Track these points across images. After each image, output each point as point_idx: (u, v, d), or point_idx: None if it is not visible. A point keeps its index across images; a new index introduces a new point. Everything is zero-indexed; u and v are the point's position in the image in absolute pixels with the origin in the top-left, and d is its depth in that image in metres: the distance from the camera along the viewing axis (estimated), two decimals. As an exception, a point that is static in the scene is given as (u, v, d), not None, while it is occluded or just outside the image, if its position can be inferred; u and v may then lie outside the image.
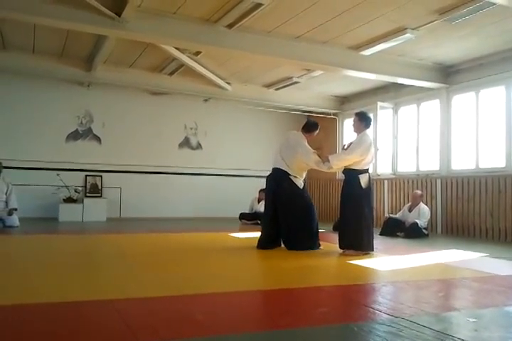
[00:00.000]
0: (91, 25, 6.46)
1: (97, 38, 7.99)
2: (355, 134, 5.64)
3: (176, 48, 8.29)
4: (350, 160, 5.38)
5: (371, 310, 2.83)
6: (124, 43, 8.00)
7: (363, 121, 5.56)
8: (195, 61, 9.06)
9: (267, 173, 6.03)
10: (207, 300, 3.04)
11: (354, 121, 5.63)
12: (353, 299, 3.20)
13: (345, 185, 5.51)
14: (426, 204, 8.39)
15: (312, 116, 12.29)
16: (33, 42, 8.36)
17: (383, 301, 3.07)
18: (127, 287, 3.39)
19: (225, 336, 2.28)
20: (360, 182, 5.34)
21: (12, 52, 8.71)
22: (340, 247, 5.42)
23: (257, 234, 5.98)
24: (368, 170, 5.48)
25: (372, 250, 5.40)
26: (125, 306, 2.79)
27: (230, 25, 6.97)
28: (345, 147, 5.59)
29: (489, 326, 2.61)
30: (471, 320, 2.68)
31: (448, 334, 2.33)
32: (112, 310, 2.67)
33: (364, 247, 5.31)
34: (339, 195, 5.65)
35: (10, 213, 8.11)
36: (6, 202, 8.23)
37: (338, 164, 5.46)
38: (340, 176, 5.64)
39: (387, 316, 2.67)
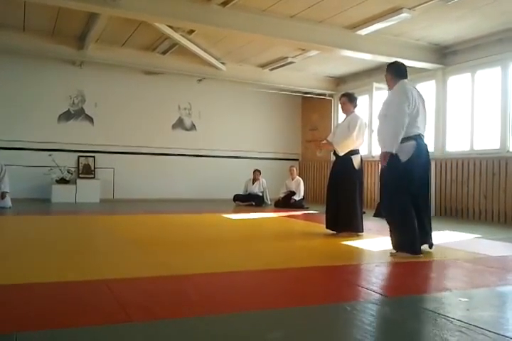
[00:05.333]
0: (82, 3, 6.34)
1: (88, 16, 7.85)
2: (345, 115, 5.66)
3: (169, 27, 8.16)
4: (352, 144, 5.37)
5: (364, 290, 2.83)
6: (116, 21, 7.87)
7: (352, 101, 5.56)
8: (189, 40, 8.94)
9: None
10: (201, 280, 3.03)
11: (342, 102, 5.61)
12: (346, 279, 3.20)
13: (338, 166, 5.46)
14: (420, 186, 8.39)
15: (307, 97, 12.23)
16: (24, 20, 8.20)
17: (376, 281, 3.08)
18: (121, 267, 3.38)
19: (219, 315, 2.28)
20: (353, 164, 5.33)
21: (2, 31, 8.53)
22: (335, 229, 5.40)
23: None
24: (359, 150, 5.47)
25: (362, 231, 5.39)
26: (119, 286, 2.78)
27: (224, 3, 6.86)
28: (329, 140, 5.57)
29: (481, 306, 2.62)
30: (463, 299, 2.69)
31: (440, 314, 2.34)
32: (105, 289, 2.67)
33: (359, 228, 5.32)
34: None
35: (2, 196, 8.07)
36: (-1, 185, 8.18)
37: (343, 151, 5.38)
38: (333, 158, 5.57)
39: (380, 296, 2.67)
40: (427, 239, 4.26)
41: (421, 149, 4.20)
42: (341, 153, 5.35)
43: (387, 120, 4.30)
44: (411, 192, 4.16)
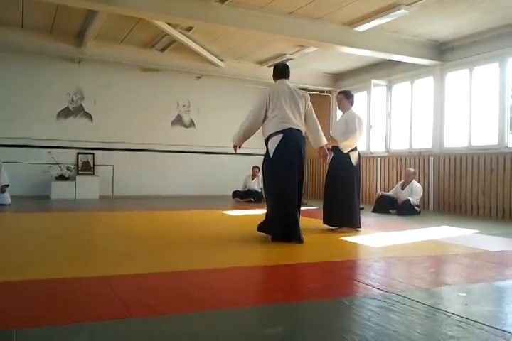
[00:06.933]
0: (81, 0, 6.33)
1: (87, 13, 7.84)
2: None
3: (167, 23, 8.15)
4: (355, 142, 5.41)
5: (363, 285, 2.85)
6: (114, 18, 7.87)
7: (348, 98, 5.62)
8: (188, 37, 8.93)
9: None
10: (201, 277, 3.05)
11: (339, 99, 5.68)
12: (345, 275, 3.22)
13: (336, 162, 5.49)
14: (418, 182, 8.42)
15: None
16: (22, 18, 8.19)
17: (375, 277, 3.10)
18: (121, 264, 3.39)
19: (219, 311, 2.29)
20: (350, 160, 5.37)
21: (0, 28, 8.52)
22: (332, 224, 5.45)
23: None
24: (356, 147, 5.51)
25: (360, 226, 5.43)
26: (119, 282, 2.79)
27: (222, 0, 6.86)
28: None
29: (479, 300, 2.64)
30: (461, 294, 2.71)
31: (439, 309, 2.36)
32: (105, 286, 2.68)
33: (356, 224, 5.36)
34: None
35: (2, 190, 8.03)
36: (-3, 179, 8.14)
37: (346, 149, 5.40)
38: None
39: (379, 291, 2.69)
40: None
41: (288, 141, 4.55)
42: (345, 151, 5.37)
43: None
44: (295, 180, 4.51)
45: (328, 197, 5.52)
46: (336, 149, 5.50)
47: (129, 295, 2.52)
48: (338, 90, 6.03)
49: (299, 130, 4.66)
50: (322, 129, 4.98)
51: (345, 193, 5.33)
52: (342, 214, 5.34)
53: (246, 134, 4.72)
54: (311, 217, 6.91)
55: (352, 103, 5.64)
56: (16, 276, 2.89)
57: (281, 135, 4.56)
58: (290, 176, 4.51)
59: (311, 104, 4.91)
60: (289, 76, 4.91)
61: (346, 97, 5.61)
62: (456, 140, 8.63)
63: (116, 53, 9.57)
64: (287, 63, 5.29)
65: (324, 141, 4.90)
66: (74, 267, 3.23)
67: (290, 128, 4.58)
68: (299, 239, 4.42)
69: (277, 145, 4.56)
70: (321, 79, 11.63)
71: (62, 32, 8.96)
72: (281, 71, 4.92)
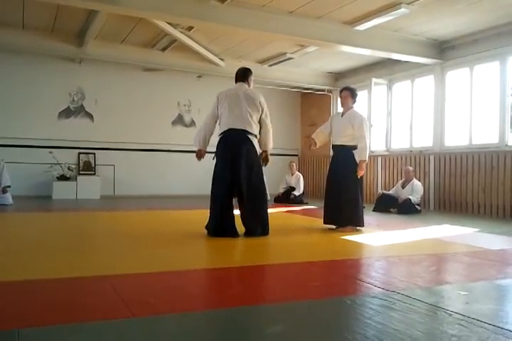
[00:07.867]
0: (82, 0, 6.33)
1: (87, 13, 7.84)
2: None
3: (168, 23, 8.16)
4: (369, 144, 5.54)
5: (364, 284, 2.86)
6: (115, 18, 7.87)
7: (353, 97, 5.54)
8: (188, 36, 8.93)
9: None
10: (202, 275, 3.06)
11: (344, 96, 5.53)
12: (346, 273, 3.23)
13: (339, 161, 5.44)
14: (419, 181, 8.43)
15: (306, 92, 12.23)
16: (23, 18, 8.20)
17: (376, 275, 3.11)
18: (122, 263, 3.40)
19: (220, 310, 2.30)
20: (354, 158, 5.34)
21: (1, 29, 8.52)
22: (335, 224, 5.44)
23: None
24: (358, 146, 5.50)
25: (363, 225, 5.43)
26: (120, 282, 2.80)
27: (223, 0, 6.86)
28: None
29: (480, 299, 2.65)
30: (462, 293, 2.72)
31: (440, 307, 2.36)
32: (106, 285, 2.68)
33: (361, 223, 5.35)
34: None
35: (4, 191, 8.05)
36: (-1, 180, 8.16)
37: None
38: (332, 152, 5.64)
39: (380, 290, 2.70)
40: (248, 226, 4.73)
41: (225, 143, 4.80)
42: (367, 158, 5.44)
43: None
44: (226, 181, 4.72)
45: (332, 196, 5.46)
46: (339, 148, 5.47)
47: (130, 294, 2.53)
48: (344, 86, 5.91)
49: (241, 130, 4.78)
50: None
51: (350, 193, 5.29)
52: (347, 214, 5.30)
53: (208, 136, 4.94)
54: (312, 216, 6.92)
55: (355, 102, 5.59)
56: (16, 276, 2.90)
57: (219, 137, 4.86)
58: (221, 180, 4.74)
59: (267, 111, 5.06)
60: (247, 79, 5.15)
61: (351, 96, 5.50)
62: (456, 138, 8.64)
63: (117, 53, 9.58)
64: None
65: (269, 147, 5.03)
66: (76, 266, 3.24)
67: (230, 129, 4.78)
68: (235, 235, 4.63)
69: (216, 148, 4.85)
70: (321, 78, 11.63)
71: (63, 32, 8.97)
72: (240, 74, 5.18)
